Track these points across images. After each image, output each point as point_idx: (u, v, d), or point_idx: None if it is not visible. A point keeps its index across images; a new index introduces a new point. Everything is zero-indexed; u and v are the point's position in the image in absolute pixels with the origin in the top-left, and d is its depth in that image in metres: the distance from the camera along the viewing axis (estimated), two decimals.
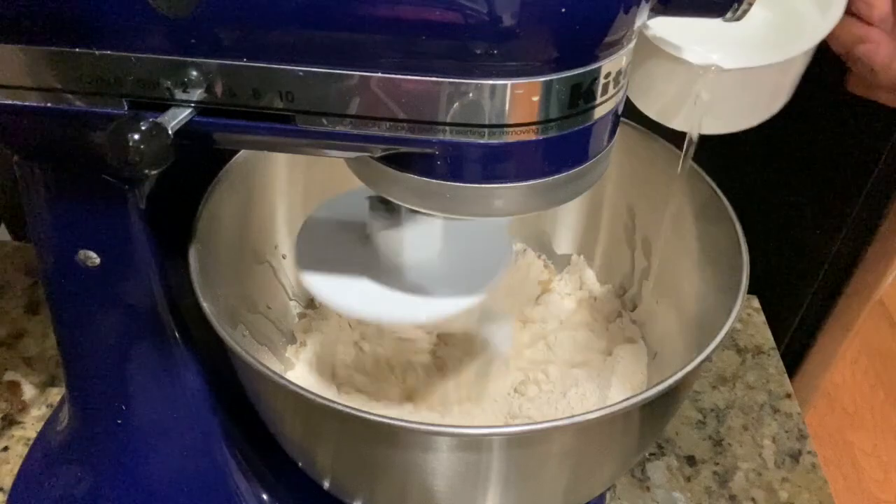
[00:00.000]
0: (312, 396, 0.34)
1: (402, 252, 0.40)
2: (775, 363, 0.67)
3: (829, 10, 0.37)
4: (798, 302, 0.78)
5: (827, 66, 0.59)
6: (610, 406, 0.34)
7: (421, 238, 0.40)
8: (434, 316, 0.40)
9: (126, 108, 0.32)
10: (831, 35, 0.37)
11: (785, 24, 0.41)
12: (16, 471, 0.54)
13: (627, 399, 0.35)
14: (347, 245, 0.42)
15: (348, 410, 0.34)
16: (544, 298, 0.59)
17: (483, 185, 0.31)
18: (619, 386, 0.53)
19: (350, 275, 0.41)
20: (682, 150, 0.49)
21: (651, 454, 0.59)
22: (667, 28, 0.37)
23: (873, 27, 0.38)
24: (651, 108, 0.41)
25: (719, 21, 0.36)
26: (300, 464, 0.44)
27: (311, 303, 0.59)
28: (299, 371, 0.55)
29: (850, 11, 0.37)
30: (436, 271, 0.41)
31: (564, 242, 0.61)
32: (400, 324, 0.39)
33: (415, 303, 0.40)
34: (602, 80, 0.30)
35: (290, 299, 0.57)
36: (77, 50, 0.30)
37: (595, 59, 0.29)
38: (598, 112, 0.31)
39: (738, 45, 0.39)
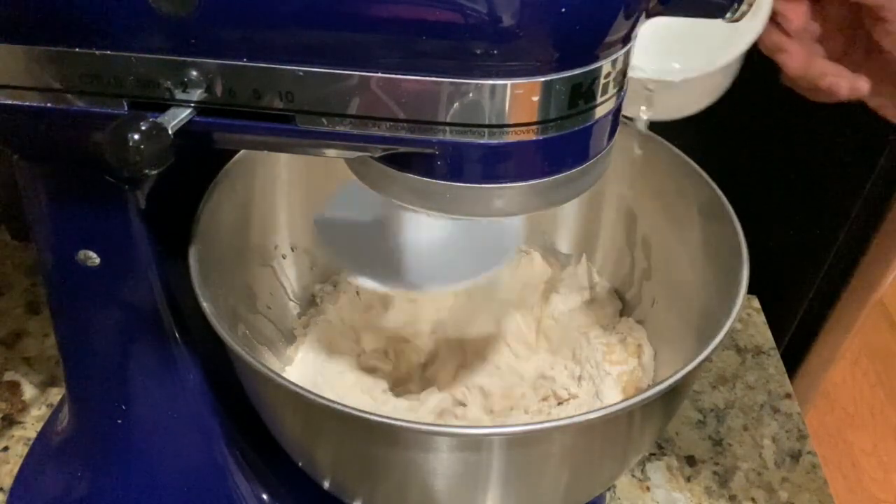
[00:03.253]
0: (312, 396, 0.34)
1: (412, 232, 0.42)
2: (775, 363, 0.67)
3: (755, 17, 0.41)
4: (798, 302, 0.78)
5: None
6: (610, 406, 0.34)
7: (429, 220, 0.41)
8: (435, 289, 0.43)
9: (126, 108, 0.32)
10: (759, 39, 0.42)
11: (719, 29, 0.45)
12: (16, 471, 0.54)
13: (627, 399, 0.35)
14: (364, 225, 0.45)
15: (348, 410, 0.34)
16: (550, 298, 0.59)
17: (483, 185, 0.31)
18: (620, 385, 0.53)
19: (365, 249, 0.43)
20: (682, 152, 0.50)
21: (651, 454, 0.59)
22: None
23: (790, 38, 0.41)
24: None
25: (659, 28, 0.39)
26: (300, 464, 0.44)
27: (311, 303, 0.59)
28: (298, 367, 0.55)
29: (773, 18, 0.41)
30: (444, 252, 0.44)
31: (564, 242, 0.61)
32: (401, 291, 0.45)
33: (421, 279, 0.42)
34: (602, 81, 0.30)
35: (290, 299, 0.57)
36: (77, 50, 0.30)
37: (595, 59, 0.29)
38: (598, 112, 0.31)
39: (678, 51, 0.44)
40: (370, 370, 0.55)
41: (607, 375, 0.53)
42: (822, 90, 0.41)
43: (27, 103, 0.33)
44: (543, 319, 0.58)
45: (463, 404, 0.53)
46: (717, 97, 0.46)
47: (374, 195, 0.34)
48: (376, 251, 0.44)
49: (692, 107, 0.46)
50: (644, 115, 0.44)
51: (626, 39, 0.30)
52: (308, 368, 0.55)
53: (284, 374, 0.53)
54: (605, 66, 0.29)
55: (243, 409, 0.44)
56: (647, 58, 0.43)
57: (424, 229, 0.43)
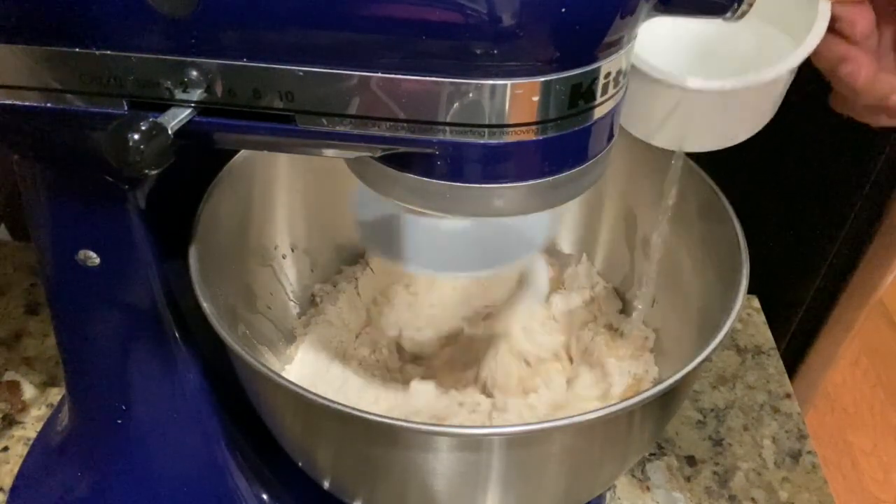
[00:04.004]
0: (312, 396, 0.34)
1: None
2: (775, 363, 0.67)
3: (810, 32, 0.38)
4: (798, 302, 0.78)
5: None
6: (610, 406, 0.34)
7: None
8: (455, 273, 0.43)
9: (126, 108, 0.32)
10: (815, 53, 0.37)
11: (767, 45, 0.42)
12: (16, 471, 0.54)
13: (627, 399, 0.35)
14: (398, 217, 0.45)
15: (348, 410, 0.34)
16: (551, 297, 0.59)
17: (483, 185, 0.31)
18: (621, 385, 0.53)
19: (403, 234, 0.43)
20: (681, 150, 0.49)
21: (651, 454, 0.59)
22: (650, 53, 0.38)
23: (855, 46, 0.37)
24: (633, 128, 0.42)
25: (702, 44, 0.39)
26: (300, 464, 0.44)
27: (311, 303, 0.59)
28: (297, 366, 0.55)
29: (832, 28, 0.37)
30: (473, 240, 0.43)
31: (565, 243, 0.61)
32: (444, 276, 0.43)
33: (450, 264, 0.42)
34: (602, 81, 0.30)
35: (290, 300, 0.57)
36: (77, 50, 0.30)
37: (595, 59, 0.29)
38: (598, 112, 0.31)
39: (721, 67, 0.40)
40: (370, 370, 0.55)
41: (607, 375, 0.53)
42: (888, 109, 0.37)
43: (27, 103, 0.33)
44: (545, 319, 0.58)
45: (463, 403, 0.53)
46: (760, 125, 0.42)
47: None
48: (402, 233, 0.43)
49: (731, 134, 0.41)
50: (682, 144, 0.41)
51: (627, 39, 0.30)
52: (307, 368, 0.55)
53: (284, 374, 0.53)
54: (605, 66, 0.29)
55: (243, 409, 0.44)
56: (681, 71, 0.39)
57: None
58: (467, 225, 0.43)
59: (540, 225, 0.46)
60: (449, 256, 0.42)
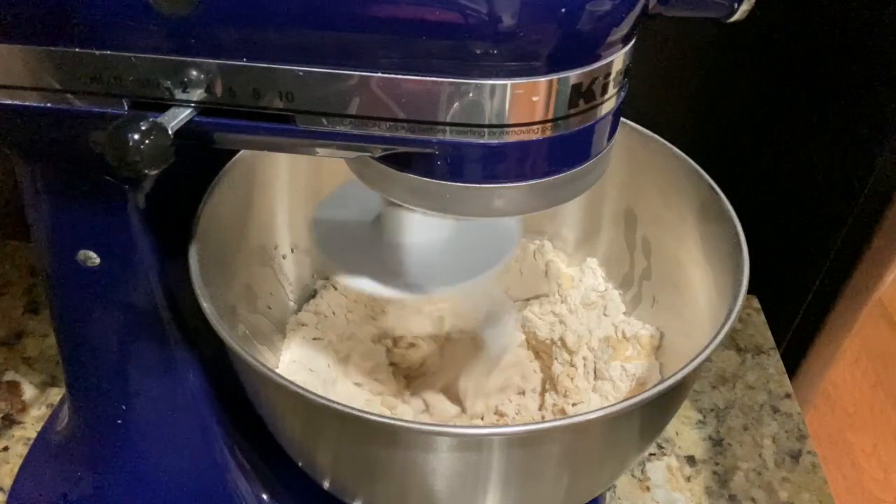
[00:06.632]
0: (312, 396, 0.34)
1: (409, 234, 0.41)
2: (775, 363, 0.67)
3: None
4: (798, 302, 0.78)
5: (825, 66, 0.59)
6: (610, 406, 0.34)
7: (426, 221, 0.41)
8: (436, 293, 0.42)
9: (126, 108, 0.32)
10: None
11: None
12: (16, 471, 0.54)
13: (627, 399, 0.35)
14: (360, 227, 0.44)
15: (348, 410, 0.34)
16: (552, 298, 0.59)
17: (483, 186, 0.31)
18: (623, 385, 0.53)
19: (362, 256, 0.42)
20: (681, 150, 0.50)
21: (651, 454, 0.59)
22: None
23: None
24: None
25: None
26: (300, 464, 0.44)
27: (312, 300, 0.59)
28: (287, 355, 0.55)
29: None
30: (442, 255, 0.42)
31: (565, 242, 0.61)
32: (403, 299, 0.44)
33: (419, 282, 0.41)
34: (602, 80, 0.30)
35: (290, 300, 0.57)
36: (77, 50, 0.30)
37: (595, 58, 0.29)
38: (599, 112, 0.31)
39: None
40: (367, 365, 0.55)
41: (609, 375, 0.53)
42: None
43: (27, 103, 0.33)
44: (546, 318, 0.58)
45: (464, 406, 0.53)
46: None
47: (367, 198, 0.34)
48: (372, 255, 0.43)
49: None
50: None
51: (627, 39, 0.30)
52: (297, 356, 0.54)
53: (278, 365, 0.53)
54: (606, 65, 0.29)
55: (243, 409, 0.44)
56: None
57: (422, 231, 0.43)
58: (437, 239, 0.42)
59: (510, 225, 0.46)
60: (424, 275, 0.42)
